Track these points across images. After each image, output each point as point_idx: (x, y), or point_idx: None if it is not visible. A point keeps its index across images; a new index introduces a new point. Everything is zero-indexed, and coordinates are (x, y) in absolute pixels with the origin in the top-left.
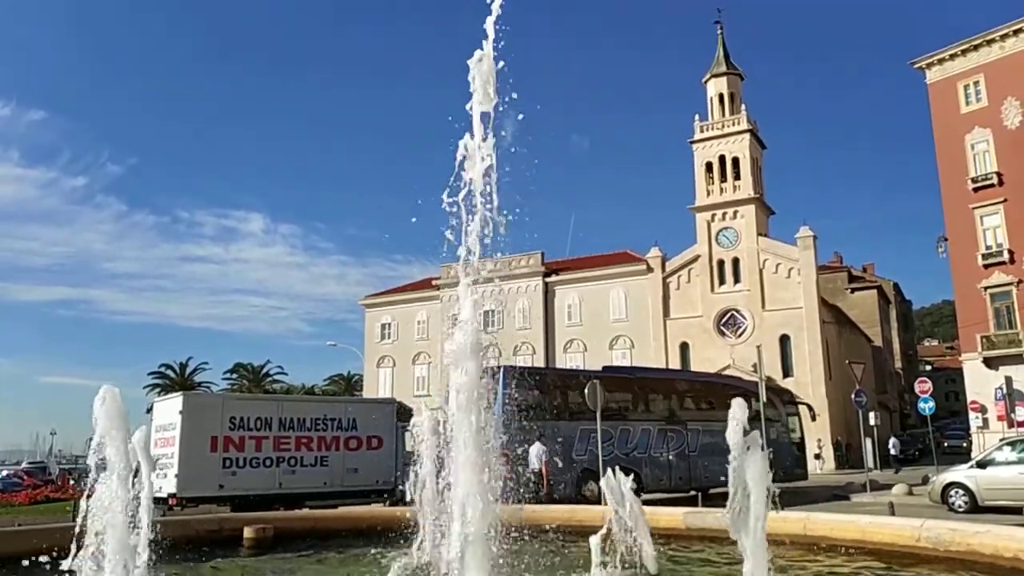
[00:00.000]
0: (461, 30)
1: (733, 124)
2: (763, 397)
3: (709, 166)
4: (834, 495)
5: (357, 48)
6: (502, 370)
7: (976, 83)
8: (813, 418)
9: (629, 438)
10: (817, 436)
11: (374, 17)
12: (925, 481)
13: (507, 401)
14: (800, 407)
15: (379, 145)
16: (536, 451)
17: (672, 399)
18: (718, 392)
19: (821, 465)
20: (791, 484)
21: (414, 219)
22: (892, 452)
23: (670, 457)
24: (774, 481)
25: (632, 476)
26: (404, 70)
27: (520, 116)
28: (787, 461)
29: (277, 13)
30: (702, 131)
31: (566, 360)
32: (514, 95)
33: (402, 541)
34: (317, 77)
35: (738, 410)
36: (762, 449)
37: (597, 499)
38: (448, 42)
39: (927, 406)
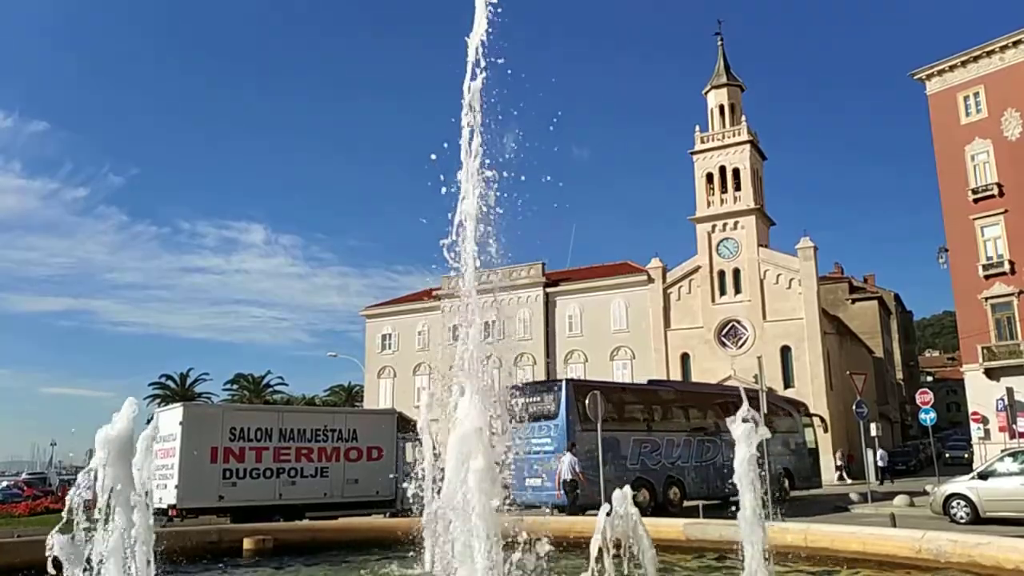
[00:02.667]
0: (462, 31)
1: (733, 135)
2: (763, 407)
3: (709, 177)
4: (835, 506)
5: (356, 54)
6: (564, 383)
7: (976, 94)
8: (826, 429)
9: (674, 448)
10: (840, 448)
11: (374, 19)
12: (926, 492)
13: (569, 412)
14: (814, 418)
15: (379, 152)
16: (568, 461)
17: (710, 411)
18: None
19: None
20: (806, 492)
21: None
22: (880, 464)
23: (708, 466)
24: (791, 489)
25: (676, 485)
26: (404, 74)
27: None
28: (804, 470)
29: (276, 19)
30: (702, 142)
31: (567, 371)
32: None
33: (409, 553)
34: (317, 82)
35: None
36: (758, 462)
37: (644, 509)
38: (447, 41)
39: (928, 417)
